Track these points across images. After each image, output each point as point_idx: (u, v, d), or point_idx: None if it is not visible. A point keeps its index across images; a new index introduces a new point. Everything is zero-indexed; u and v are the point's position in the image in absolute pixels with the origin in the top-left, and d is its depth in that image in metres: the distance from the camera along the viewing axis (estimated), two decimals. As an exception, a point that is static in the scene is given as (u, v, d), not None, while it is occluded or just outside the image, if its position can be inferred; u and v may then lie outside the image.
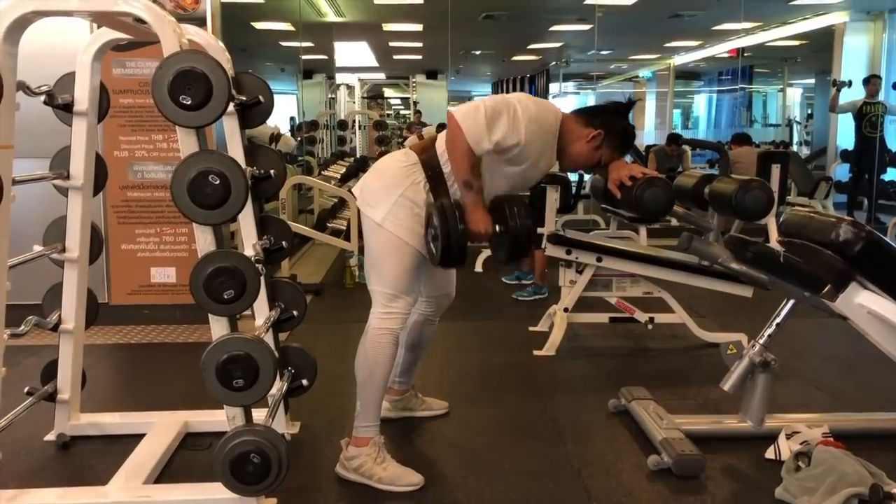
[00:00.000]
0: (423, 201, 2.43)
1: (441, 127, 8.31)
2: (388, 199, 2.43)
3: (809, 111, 16.22)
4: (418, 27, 10.92)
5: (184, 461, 2.60)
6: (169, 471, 2.51)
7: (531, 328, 4.18)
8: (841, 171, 9.36)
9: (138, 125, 4.18)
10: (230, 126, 2.63)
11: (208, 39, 2.54)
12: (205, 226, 2.07)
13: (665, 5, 9.64)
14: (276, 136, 7.80)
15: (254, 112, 2.67)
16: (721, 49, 12.81)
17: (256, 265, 2.16)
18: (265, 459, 2.07)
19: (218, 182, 2.01)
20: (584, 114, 2.52)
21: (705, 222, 2.82)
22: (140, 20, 2.11)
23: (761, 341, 2.64)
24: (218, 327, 2.13)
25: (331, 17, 9.92)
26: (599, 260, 3.73)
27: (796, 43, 12.07)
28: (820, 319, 2.57)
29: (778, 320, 2.64)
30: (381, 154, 8.32)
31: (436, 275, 2.67)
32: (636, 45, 13.56)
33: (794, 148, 13.32)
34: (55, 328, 2.61)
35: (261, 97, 2.63)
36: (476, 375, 3.55)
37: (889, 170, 8.97)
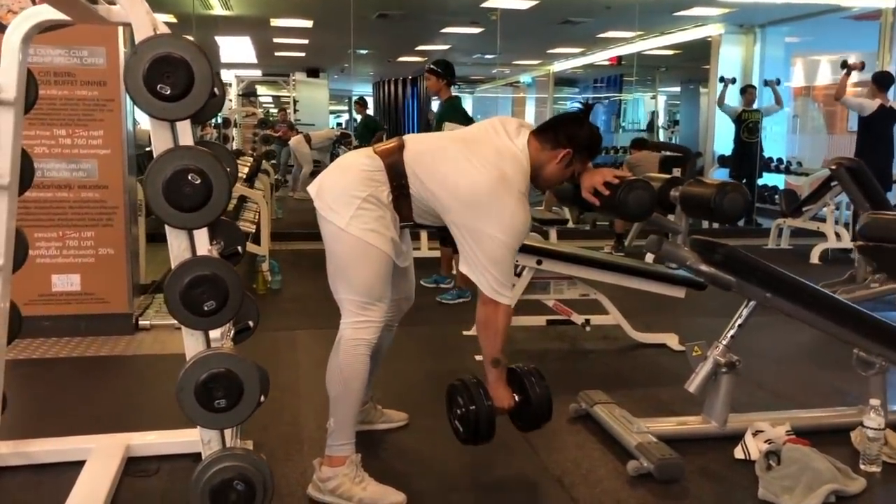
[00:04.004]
0: (388, 205, 2.31)
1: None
2: (352, 202, 2.28)
3: (671, 118, 17.10)
4: (308, 23, 10.64)
5: (132, 490, 2.34)
6: (118, 502, 2.26)
7: (465, 332, 4.10)
8: (719, 175, 9.86)
9: (37, 119, 3.76)
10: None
11: (160, 24, 2.30)
12: (181, 230, 1.87)
13: (558, 11, 9.83)
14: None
15: (207, 105, 2.44)
16: (602, 56, 13.25)
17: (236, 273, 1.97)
18: (250, 486, 1.88)
19: (199, 181, 1.82)
20: (547, 134, 2.38)
21: (674, 225, 2.84)
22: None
23: (724, 342, 2.68)
24: (192, 342, 1.92)
25: (218, 9, 9.49)
26: (539, 262, 3.70)
27: (670, 53, 12.64)
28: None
29: (740, 321, 2.69)
30: (259, 152, 7.98)
31: (398, 278, 2.55)
32: (522, 50, 13.78)
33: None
34: (-26, 346, 2.30)
35: (216, 89, 2.42)
36: (425, 384, 3.42)
37: (765, 174, 9.55)
